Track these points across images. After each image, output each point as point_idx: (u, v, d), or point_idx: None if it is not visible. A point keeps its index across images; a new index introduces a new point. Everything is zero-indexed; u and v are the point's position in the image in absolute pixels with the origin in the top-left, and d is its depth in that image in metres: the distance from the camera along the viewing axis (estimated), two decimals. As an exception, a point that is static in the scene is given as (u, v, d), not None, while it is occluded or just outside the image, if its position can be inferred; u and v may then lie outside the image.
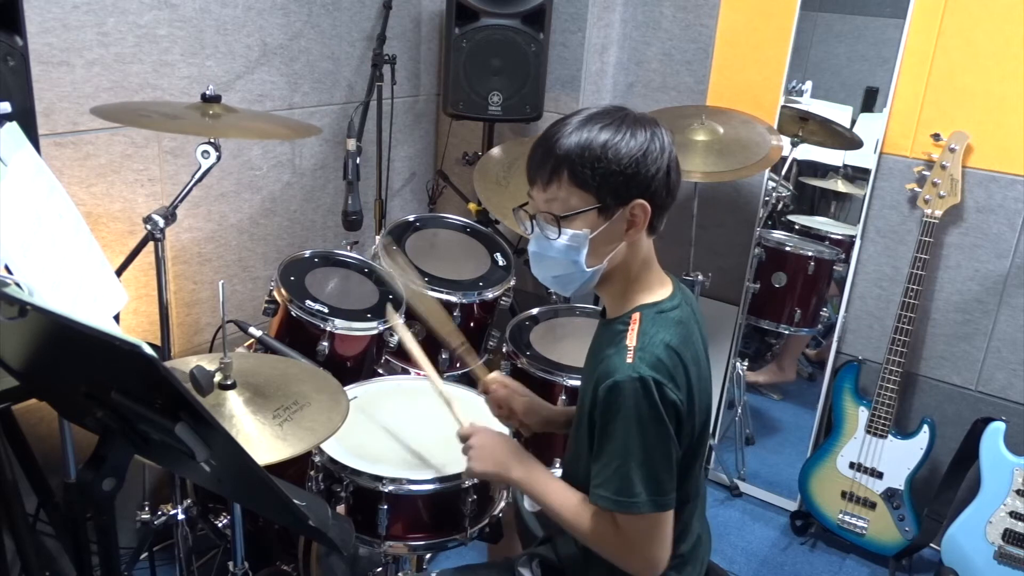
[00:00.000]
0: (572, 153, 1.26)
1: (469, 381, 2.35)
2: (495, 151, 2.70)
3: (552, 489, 1.41)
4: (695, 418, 1.34)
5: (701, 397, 1.35)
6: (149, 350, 0.87)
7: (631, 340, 1.28)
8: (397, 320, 2.01)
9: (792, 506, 2.80)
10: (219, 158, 1.86)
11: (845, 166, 2.66)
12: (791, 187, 2.76)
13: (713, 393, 2.83)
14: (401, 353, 2.28)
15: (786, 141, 2.61)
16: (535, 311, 2.45)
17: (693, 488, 1.41)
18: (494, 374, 1.70)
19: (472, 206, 2.80)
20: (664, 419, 1.24)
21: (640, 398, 1.23)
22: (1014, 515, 2.28)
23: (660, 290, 1.37)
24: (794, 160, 2.69)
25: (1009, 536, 2.29)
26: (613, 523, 1.30)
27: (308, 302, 2.04)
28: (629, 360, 1.25)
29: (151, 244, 1.85)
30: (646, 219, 1.29)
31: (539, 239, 1.34)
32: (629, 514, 1.27)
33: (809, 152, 2.68)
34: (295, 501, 1.08)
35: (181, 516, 2.02)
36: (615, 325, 1.35)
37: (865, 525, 2.56)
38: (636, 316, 1.32)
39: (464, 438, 1.51)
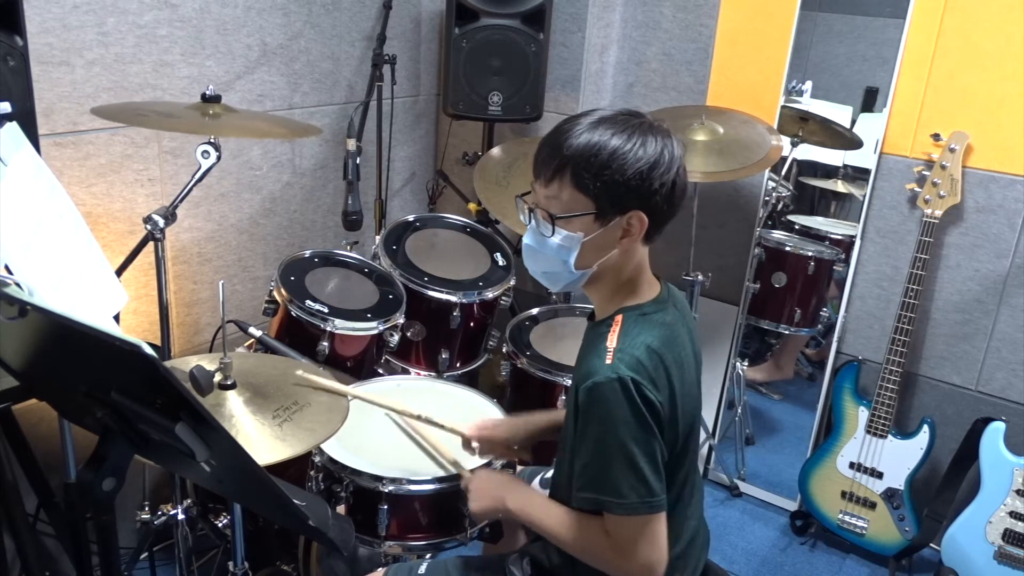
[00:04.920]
0: (578, 155, 1.24)
1: (470, 380, 2.35)
2: (495, 151, 2.71)
3: (541, 508, 1.40)
4: (679, 424, 1.32)
5: (685, 402, 1.33)
6: (149, 350, 0.87)
7: (611, 341, 1.28)
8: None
9: (792, 506, 2.80)
10: (219, 158, 1.86)
11: (845, 166, 2.66)
12: (791, 187, 2.76)
13: (712, 393, 2.87)
14: (401, 353, 2.29)
15: (786, 141, 2.61)
16: (535, 311, 2.45)
17: (679, 492, 1.39)
18: (471, 432, 1.67)
19: (472, 206, 2.80)
20: (646, 418, 1.23)
21: (620, 398, 1.22)
22: (1014, 515, 2.28)
23: (647, 293, 1.37)
24: (794, 160, 2.69)
25: (1009, 536, 2.29)
26: (602, 529, 1.29)
27: (308, 302, 2.04)
28: (608, 361, 1.25)
29: (151, 244, 1.85)
30: (642, 230, 1.29)
31: (534, 233, 1.34)
32: (618, 516, 1.26)
33: (809, 152, 2.68)
34: (295, 501, 1.08)
35: (181, 516, 2.02)
36: (600, 327, 1.35)
37: (865, 525, 2.56)
38: (619, 318, 1.32)
39: (466, 487, 1.53)
